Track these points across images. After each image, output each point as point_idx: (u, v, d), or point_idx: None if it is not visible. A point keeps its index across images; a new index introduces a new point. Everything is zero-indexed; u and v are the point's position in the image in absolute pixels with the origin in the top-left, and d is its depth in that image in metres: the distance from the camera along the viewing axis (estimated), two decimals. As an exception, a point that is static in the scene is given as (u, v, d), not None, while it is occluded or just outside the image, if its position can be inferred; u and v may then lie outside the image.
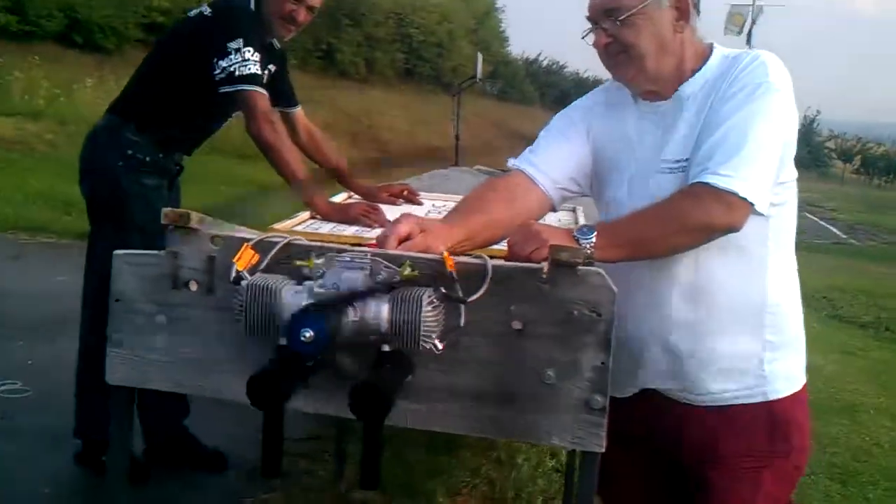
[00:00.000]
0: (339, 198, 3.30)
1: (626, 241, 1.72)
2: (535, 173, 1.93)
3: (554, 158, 1.95)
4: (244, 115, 2.91)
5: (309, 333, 1.31)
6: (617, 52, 1.82)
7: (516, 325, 1.51)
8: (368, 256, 1.51)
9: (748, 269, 1.81)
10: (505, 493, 3.43)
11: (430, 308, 1.43)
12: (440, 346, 1.46)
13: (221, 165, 12.00)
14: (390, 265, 1.50)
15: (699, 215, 1.67)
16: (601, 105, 1.98)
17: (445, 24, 34.23)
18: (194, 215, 1.61)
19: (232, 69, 2.88)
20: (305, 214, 2.91)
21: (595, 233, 1.68)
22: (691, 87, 1.81)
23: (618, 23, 1.78)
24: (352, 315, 1.41)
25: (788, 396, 1.86)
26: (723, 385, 1.83)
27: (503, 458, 3.70)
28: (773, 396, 1.84)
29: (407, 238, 1.65)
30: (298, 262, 1.52)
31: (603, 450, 1.52)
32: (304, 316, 1.32)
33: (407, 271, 1.49)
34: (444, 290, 1.46)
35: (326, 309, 1.33)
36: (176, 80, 3.06)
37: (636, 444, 1.93)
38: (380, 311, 1.42)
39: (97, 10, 18.74)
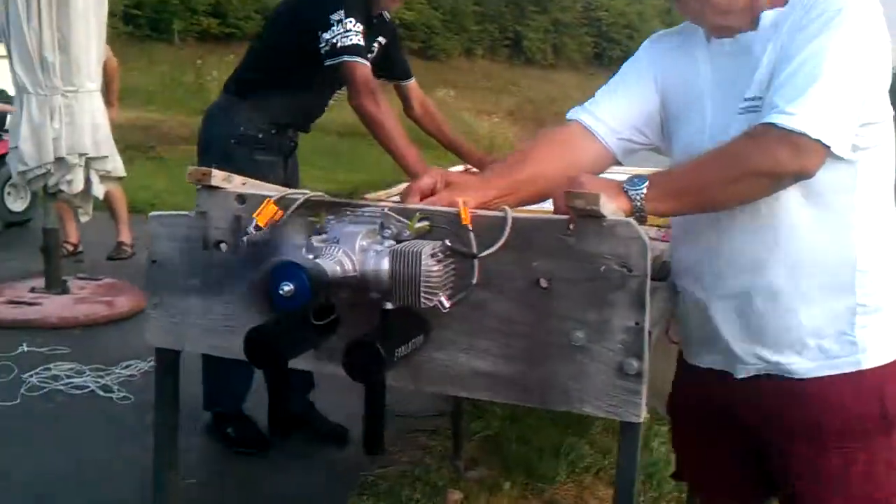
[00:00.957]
0: (457, 169, 3.23)
1: (682, 190, 1.55)
2: (593, 122, 1.78)
3: (615, 107, 1.79)
4: (346, 87, 2.90)
5: (288, 287, 1.26)
6: None
7: (542, 282, 1.39)
8: (380, 210, 1.44)
9: (834, 222, 1.60)
10: (634, 475, 3.27)
11: (433, 262, 1.34)
12: (447, 304, 1.36)
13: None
14: (401, 219, 1.42)
15: (763, 159, 1.48)
16: (671, 49, 1.80)
17: (636, 5, 33.52)
18: (218, 174, 1.59)
19: (334, 41, 2.87)
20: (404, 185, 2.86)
21: (646, 182, 1.53)
22: (766, 19, 1.62)
23: None
24: (349, 269, 1.34)
25: (887, 365, 1.64)
26: (801, 355, 1.64)
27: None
28: (866, 365, 1.62)
29: (432, 193, 1.56)
30: (310, 218, 1.46)
31: (640, 420, 1.38)
32: (283, 270, 1.27)
33: (417, 224, 1.41)
34: (448, 243, 1.36)
35: (304, 263, 1.27)
36: (284, 56, 3.10)
37: (717, 417, 1.78)
38: (380, 265, 1.34)
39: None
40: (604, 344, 1.37)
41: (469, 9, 30.21)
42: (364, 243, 1.38)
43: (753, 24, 1.63)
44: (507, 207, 1.44)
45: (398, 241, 1.39)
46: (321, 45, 2.90)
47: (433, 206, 1.47)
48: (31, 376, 3.87)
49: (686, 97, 1.74)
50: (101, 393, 3.80)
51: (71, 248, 6.17)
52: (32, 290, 5.08)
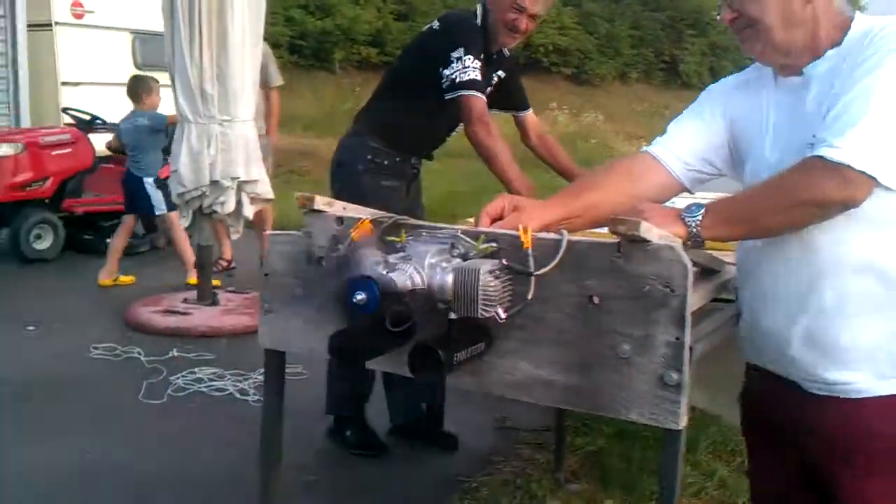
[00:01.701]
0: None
1: (735, 217, 1.68)
2: (662, 153, 1.91)
3: (684, 139, 1.92)
4: (463, 118, 3.12)
5: (360, 296, 1.47)
6: (743, 28, 1.77)
7: (594, 299, 1.55)
8: (453, 232, 1.64)
9: (886, 245, 1.67)
10: (736, 498, 3.32)
11: (490, 278, 1.52)
12: (503, 315, 1.54)
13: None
14: (469, 240, 1.62)
15: (811, 190, 1.59)
16: (741, 85, 1.93)
17: (796, 28, 32.42)
18: (320, 199, 1.83)
19: (454, 76, 3.10)
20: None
21: (703, 210, 1.67)
22: (825, 60, 1.72)
23: None
24: (418, 283, 1.55)
25: None
26: (855, 374, 1.70)
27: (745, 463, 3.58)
28: None
29: (501, 216, 1.74)
30: (388, 238, 1.68)
31: (679, 427, 1.51)
32: (357, 281, 1.48)
33: (482, 245, 1.60)
34: (505, 262, 1.55)
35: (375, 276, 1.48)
36: (408, 91, 3.36)
37: (776, 431, 1.86)
38: (444, 280, 1.54)
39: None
40: (647, 357, 1.51)
41: (625, 33, 30.13)
42: (433, 260, 1.58)
43: (815, 62, 1.75)
44: (564, 231, 1.60)
45: (465, 260, 1.59)
46: (442, 81, 3.13)
47: (499, 230, 1.66)
48: (178, 378, 4.28)
49: (753, 131, 1.85)
50: (238, 396, 4.16)
51: (225, 263, 6.70)
52: (185, 301, 5.58)
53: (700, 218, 1.67)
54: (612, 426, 3.94)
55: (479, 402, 3.97)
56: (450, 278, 1.54)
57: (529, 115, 3.59)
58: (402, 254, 1.61)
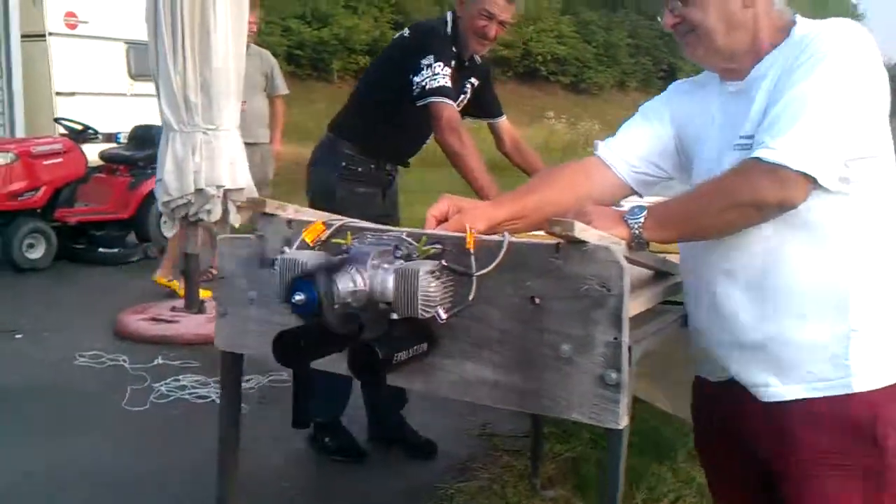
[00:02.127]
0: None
1: (675, 219, 1.70)
2: (609, 156, 1.94)
3: (631, 143, 1.95)
4: (433, 124, 3.15)
5: (299, 296, 1.50)
6: (685, 33, 1.79)
7: (535, 300, 1.57)
8: (397, 235, 1.67)
9: (826, 250, 1.68)
10: (713, 505, 3.34)
11: (430, 279, 1.55)
12: (444, 316, 1.56)
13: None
14: (412, 242, 1.64)
15: (748, 191, 1.60)
16: (690, 90, 1.95)
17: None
18: (271, 203, 1.86)
19: (424, 83, 3.13)
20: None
21: (644, 212, 1.69)
22: (765, 63, 1.74)
23: (681, 2, 1.76)
24: (360, 284, 1.57)
25: (879, 390, 1.70)
26: (794, 377, 1.71)
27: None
28: (858, 388, 1.69)
29: (446, 218, 1.77)
30: (334, 240, 1.71)
31: (620, 426, 1.53)
32: (297, 282, 1.51)
33: (424, 247, 1.63)
34: (444, 263, 1.58)
35: (316, 276, 1.51)
36: (380, 98, 3.39)
37: (728, 434, 1.88)
38: (386, 281, 1.57)
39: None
40: (587, 357, 1.53)
41: (623, 42, 30.23)
42: (376, 262, 1.59)
43: (756, 65, 1.76)
44: (507, 233, 1.63)
45: (408, 261, 1.61)
46: (413, 88, 3.17)
47: (443, 233, 1.69)
48: (162, 385, 4.30)
49: (699, 135, 1.87)
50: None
51: (214, 272, 6.72)
52: (173, 309, 5.60)
53: (642, 220, 1.69)
54: (593, 433, 3.96)
55: (459, 410, 3.99)
56: (391, 279, 1.56)
57: (503, 122, 3.63)
58: (345, 256, 1.64)
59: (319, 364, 1.74)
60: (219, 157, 5.19)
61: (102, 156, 8.05)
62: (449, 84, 3.15)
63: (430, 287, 1.55)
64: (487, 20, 3.24)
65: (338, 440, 3.63)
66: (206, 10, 5.04)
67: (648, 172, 1.96)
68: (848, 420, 1.70)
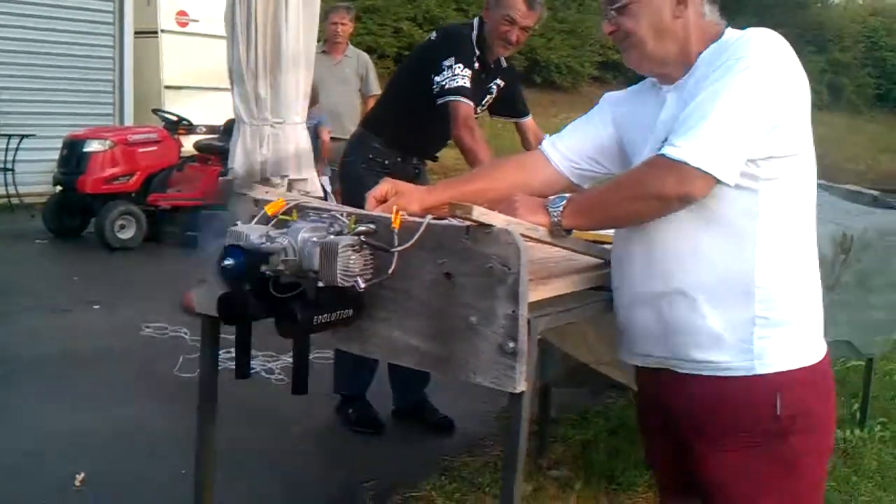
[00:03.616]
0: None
1: (589, 208, 1.87)
2: (551, 151, 2.12)
3: (573, 141, 2.12)
4: (450, 121, 3.36)
5: (229, 261, 1.74)
6: (621, 40, 1.94)
7: (450, 276, 1.77)
8: (334, 213, 1.89)
9: (733, 242, 1.81)
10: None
11: (350, 252, 1.76)
12: (362, 285, 1.77)
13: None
14: (344, 220, 1.86)
15: (651, 184, 1.75)
16: (634, 94, 2.09)
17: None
18: (238, 182, 2.11)
19: (443, 83, 3.35)
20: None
21: (564, 201, 1.87)
22: (693, 69, 1.87)
23: (616, 12, 1.91)
24: (290, 255, 1.80)
25: (782, 373, 1.82)
26: (705, 355, 1.84)
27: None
28: (760, 371, 1.81)
29: (385, 199, 1.98)
30: (281, 217, 1.94)
31: (517, 390, 1.73)
32: (228, 249, 1.75)
33: (353, 225, 1.84)
34: (364, 239, 1.79)
35: (243, 246, 1.75)
36: (407, 96, 3.62)
37: (657, 413, 2.02)
38: (312, 253, 1.79)
39: (556, 51, 20.32)
40: (490, 328, 1.72)
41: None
42: (307, 235, 1.82)
43: (685, 70, 1.91)
44: (428, 216, 1.83)
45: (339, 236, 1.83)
46: (433, 87, 3.38)
47: (373, 213, 1.90)
48: (212, 356, 4.64)
49: (639, 135, 2.01)
50: (264, 374, 4.48)
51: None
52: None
53: (561, 209, 1.87)
54: (607, 420, 4.11)
55: (482, 393, 4.19)
56: (316, 252, 1.79)
57: (529, 122, 3.80)
58: (284, 230, 1.87)
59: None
60: (284, 149, 5.48)
61: (197, 146, 8.54)
62: (467, 84, 3.35)
63: (349, 259, 1.76)
64: (510, 25, 3.42)
65: (360, 413, 3.89)
66: (278, 11, 5.35)
67: (589, 168, 2.12)
68: (751, 401, 1.83)
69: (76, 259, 7.54)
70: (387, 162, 3.69)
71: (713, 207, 1.77)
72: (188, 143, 8.55)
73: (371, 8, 20.98)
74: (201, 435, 2.35)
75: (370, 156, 3.69)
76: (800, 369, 1.84)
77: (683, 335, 1.86)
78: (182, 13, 10.90)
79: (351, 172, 3.72)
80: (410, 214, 1.89)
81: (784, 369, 1.83)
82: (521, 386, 1.74)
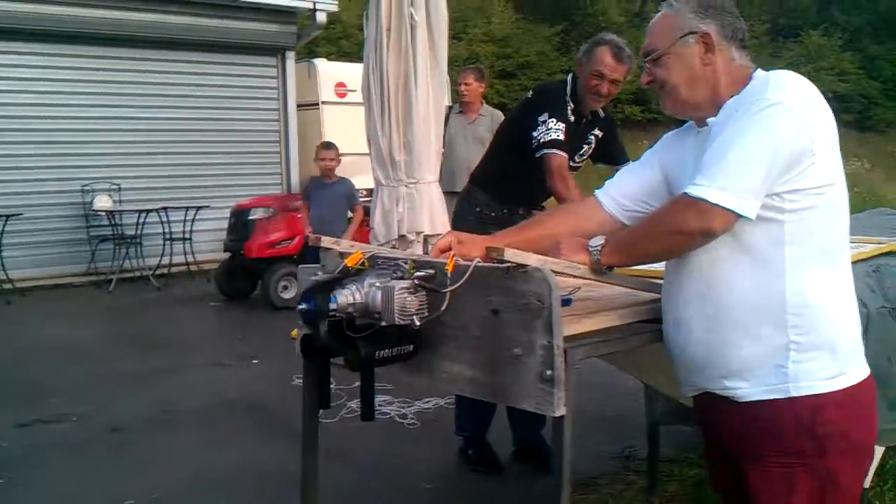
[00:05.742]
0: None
1: (625, 245, 2.06)
2: (603, 198, 2.30)
3: (623, 185, 2.29)
4: (545, 172, 3.58)
5: (303, 306, 2.03)
6: (658, 88, 2.13)
7: (498, 312, 1.99)
8: (397, 262, 2.15)
9: (763, 270, 1.92)
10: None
11: (406, 294, 2.02)
12: (418, 323, 2.03)
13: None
14: (405, 266, 2.13)
15: (674, 221, 1.92)
16: (677, 135, 2.25)
17: None
18: (326, 239, 2.42)
19: (539, 137, 3.60)
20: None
21: (603, 241, 2.08)
22: (723, 111, 2.01)
23: (651, 64, 2.11)
24: (357, 299, 2.07)
25: (818, 395, 1.91)
26: (743, 382, 1.95)
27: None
28: (795, 393, 1.90)
29: (449, 248, 2.22)
30: (353, 266, 2.23)
31: (555, 414, 1.91)
32: (303, 294, 2.04)
33: (412, 270, 2.10)
34: (417, 282, 2.04)
35: (314, 292, 2.03)
36: (508, 151, 3.88)
37: (711, 439, 2.16)
38: (375, 296, 2.06)
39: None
40: (532, 357, 1.92)
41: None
42: (372, 281, 2.09)
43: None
44: (476, 259, 2.05)
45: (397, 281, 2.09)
46: (532, 142, 3.63)
47: (431, 258, 2.16)
48: (353, 402, 4.96)
49: (680, 175, 2.15)
50: (398, 419, 4.79)
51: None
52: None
53: (600, 247, 2.07)
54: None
55: (601, 434, 4.34)
56: (378, 294, 2.06)
57: (628, 168, 3.97)
58: (356, 278, 2.15)
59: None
60: (419, 207, 5.83)
61: (355, 209, 9.07)
62: (561, 137, 3.58)
63: (406, 300, 2.02)
64: (599, 80, 3.64)
65: (479, 453, 4.11)
66: (408, 79, 5.73)
67: (638, 210, 2.27)
68: (789, 423, 1.93)
69: (242, 319, 8.16)
70: (493, 214, 3.95)
71: (741, 238, 1.91)
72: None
73: (525, 64, 21.53)
74: (304, 469, 2.63)
75: (477, 209, 3.97)
76: (837, 391, 1.93)
77: (722, 361, 1.98)
78: (341, 84, 11.55)
79: (461, 224, 3.99)
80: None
81: (820, 392, 1.92)
82: (561, 410, 1.92)
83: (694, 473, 3.96)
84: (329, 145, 7.88)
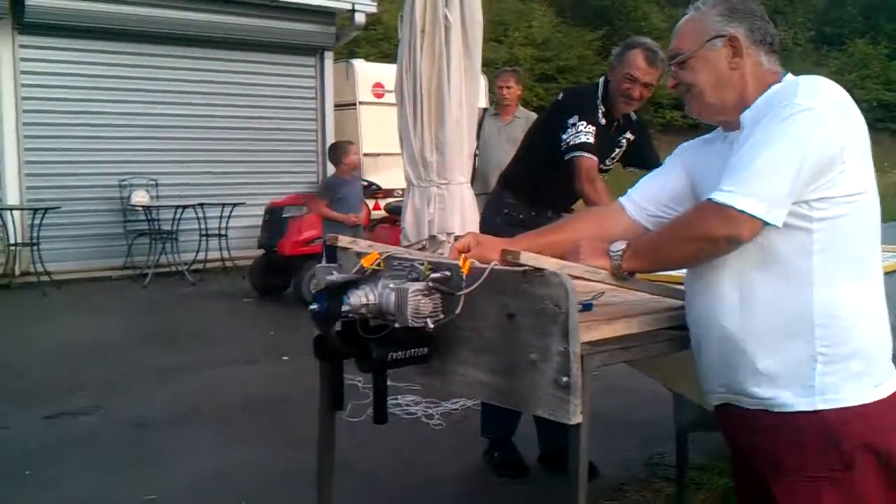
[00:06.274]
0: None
1: (645, 251, 2.01)
2: (627, 203, 2.25)
3: (647, 190, 2.25)
4: (574, 175, 3.54)
5: (315, 306, 2.01)
6: (684, 92, 2.08)
7: (513, 316, 1.95)
8: (412, 263, 2.12)
9: (790, 280, 1.87)
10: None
11: (419, 296, 1.99)
12: (431, 325, 1.99)
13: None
14: (420, 268, 2.09)
15: (700, 227, 1.88)
16: (705, 141, 2.20)
17: None
18: (344, 238, 2.39)
19: (568, 140, 3.56)
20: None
21: (623, 246, 2.03)
22: (746, 116, 1.97)
23: (677, 67, 2.07)
24: (371, 300, 2.05)
25: (846, 408, 1.85)
26: (766, 392, 1.90)
27: None
28: (821, 406, 1.85)
29: (468, 249, 2.19)
30: (369, 266, 2.20)
31: (571, 422, 1.87)
32: (316, 295, 2.02)
33: (427, 272, 2.07)
34: (431, 284, 2.01)
35: (326, 293, 2.01)
36: (536, 154, 3.85)
37: (736, 450, 2.11)
38: (389, 297, 2.03)
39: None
40: (547, 363, 1.89)
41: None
42: (385, 282, 2.07)
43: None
44: (493, 262, 2.01)
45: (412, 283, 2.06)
46: (560, 144, 3.59)
47: (446, 260, 2.12)
48: (379, 402, 4.97)
49: (708, 179, 2.08)
50: (423, 420, 4.77)
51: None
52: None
53: (621, 252, 2.03)
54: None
55: (629, 440, 4.28)
56: (392, 296, 2.03)
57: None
58: (370, 278, 2.13)
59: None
60: (450, 208, 5.80)
61: (387, 208, 9.08)
62: (590, 140, 3.53)
63: (420, 302, 1.99)
64: (631, 83, 3.58)
65: (504, 456, 4.07)
66: (441, 81, 5.72)
67: (662, 215, 2.21)
68: (816, 436, 1.87)
69: (275, 316, 8.19)
70: (521, 216, 3.91)
71: (767, 247, 1.85)
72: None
73: (565, 68, 21.42)
74: (320, 469, 2.60)
75: (505, 211, 3.93)
76: (865, 405, 1.87)
77: (744, 372, 1.93)
78: (378, 84, 11.56)
79: (489, 227, 3.95)
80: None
81: (848, 405, 1.86)
82: (577, 418, 1.88)
83: (723, 482, 3.87)
84: (351, 142, 8.02)
